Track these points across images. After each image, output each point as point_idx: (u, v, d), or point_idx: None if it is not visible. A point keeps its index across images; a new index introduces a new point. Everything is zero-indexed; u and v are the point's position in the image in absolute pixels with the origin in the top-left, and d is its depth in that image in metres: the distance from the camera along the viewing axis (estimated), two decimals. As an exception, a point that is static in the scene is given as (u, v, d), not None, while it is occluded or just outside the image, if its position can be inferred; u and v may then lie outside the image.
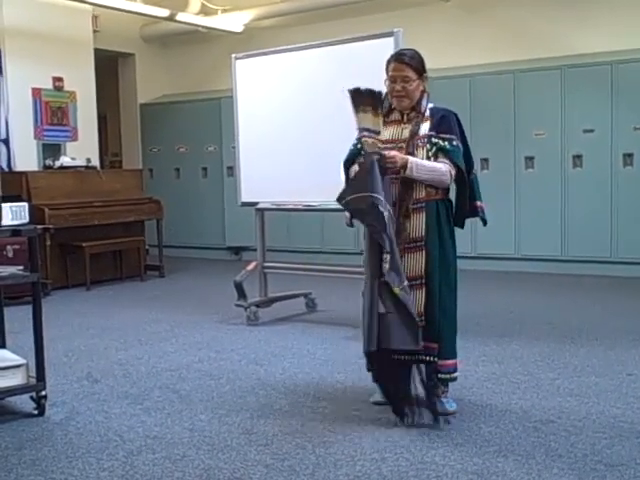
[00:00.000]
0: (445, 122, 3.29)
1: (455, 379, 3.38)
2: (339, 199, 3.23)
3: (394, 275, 3.08)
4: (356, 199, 3.15)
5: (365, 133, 3.26)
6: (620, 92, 6.99)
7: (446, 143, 3.25)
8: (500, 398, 3.56)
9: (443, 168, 3.24)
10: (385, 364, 3.27)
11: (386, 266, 3.08)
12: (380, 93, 3.29)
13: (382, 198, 3.09)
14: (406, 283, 3.12)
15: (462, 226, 3.45)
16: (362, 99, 3.28)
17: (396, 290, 3.08)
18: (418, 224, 3.25)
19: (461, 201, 3.39)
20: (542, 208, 7.43)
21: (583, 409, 3.36)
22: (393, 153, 3.18)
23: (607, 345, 4.53)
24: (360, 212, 3.16)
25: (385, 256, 3.09)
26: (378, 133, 3.26)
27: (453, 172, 3.27)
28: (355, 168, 3.35)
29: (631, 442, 2.95)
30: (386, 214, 3.08)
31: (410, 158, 3.19)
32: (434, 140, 3.25)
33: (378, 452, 2.91)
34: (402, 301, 3.07)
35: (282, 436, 3.12)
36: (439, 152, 3.25)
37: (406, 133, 3.28)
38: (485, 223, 3.45)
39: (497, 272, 7.50)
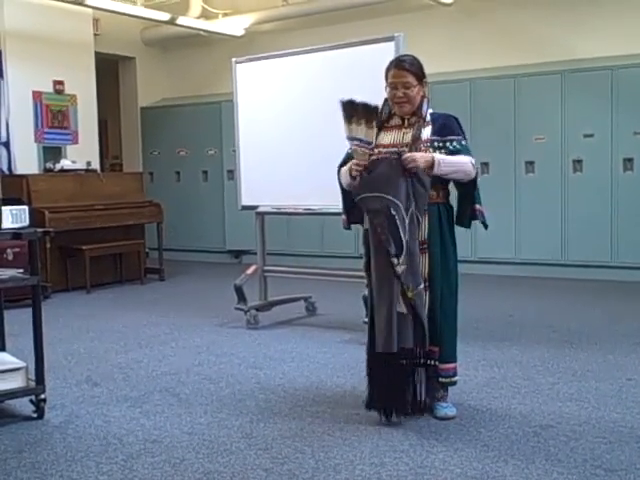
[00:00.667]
0: (448, 126, 3.30)
1: (455, 383, 3.39)
2: (355, 195, 3.23)
3: (410, 278, 3.12)
4: (371, 198, 3.15)
5: (356, 142, 3.25)
6: (620, 97, 7.00)
7: (455, 144, 3.26)
8: (500, 403, 3.56)
9: (465, 159, 3.25)
10: (387, 367, 3.28)
11: (399, 269, 3.10)
12: (376, 107, 3.25)
13: (396, 200, 3.08)
14: (422, 286, 3.17)
15: (469, 225, 3.43)
16: (356, 112, 3.25)
17: (409, 294, 3.13)
18: (421, 227, 3.25)
19: (468, 199, 3.37)
20: (542, 212, 7.44)
21: (583, 414, 3.36)
22: (418, 155, 3.15)
23: (607, 349, 4.53)
24: (373, 211, 3.16)
25: (393, 259, 3.10)
26: (370, 144, 3.26)
27: (473, 161, 3.27)
28: (344, 169, 3.35)
29: (631, 447, 2.94)
30: (398, 217, 3.07)
31: (436, 156, 3.18)
32: (438, 144, 3.25)
33: (377, 456, 2.91)
34: (413, 306, 3.14)
35: (281, 440, 3.11)
36: (452, 155, 3.25)
37: (407, 138, 3.28)
38: (486, 227, 3.45)
39: (497, 276, 7.51)
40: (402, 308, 3.15)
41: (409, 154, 3.15)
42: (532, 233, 7.50)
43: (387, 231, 3.10)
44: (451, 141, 3.26)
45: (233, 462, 2.89)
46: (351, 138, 3.27)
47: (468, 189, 3.35)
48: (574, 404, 3.50)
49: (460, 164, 3.23)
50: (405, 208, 3.09)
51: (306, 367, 4.30)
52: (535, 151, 7.46)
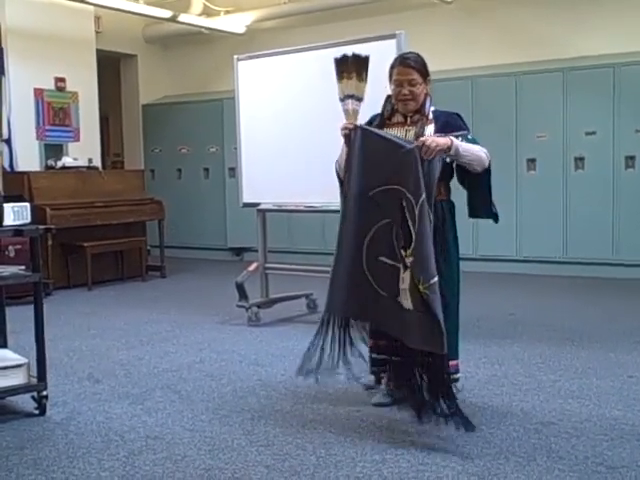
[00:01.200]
0: (451, 123, 3.29)
1: (457, 380, 3.39)
2: (365, 192, 3.15)
3: (418, 270, 3.00)
4: (382, 192, 3.09)
5: (349, 101, 3.24)
6: (622, 94, 6.99)
7: (461, 139, 3.22)
8: (501, 400, 3.56)
9: (479, 148, 3.22)
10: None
11: (407, 260, 3.02)
12: (367, 58, 3.25)
13: (406, 191, 3.01)
14: (435, 280, 2.98)
15: (488, 215, 3.39)
16: (346, 65, 3.26)
17: (421, 287, 2.99)
18: (431, 219, 3.21)
19: (483, 190, 3.33)
20: (544, 210, 7.43)
21: (584, 411, 3.36)
22: (437, 138, 3.10)
23: (608, 347, 4.53)
24: (385, 207, 3.08)
25: (401, 250, 3.04)
26: (360, 100, 3.23)
27: (486, 151, 3.24)
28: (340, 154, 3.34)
29: (632, 444, 2.94)
30: (407, 208, 3.00)
31: (453, 138, 3.13)
32: None
33: (379, 453, 2.91)
34: (426, 301, 2.98)
35: (283, 437, 3.12)
36: None
37: (410, 135, 3.26)
38: (497, 220, 3.42)
39: (498, 274, 7.50)
40: (408, 304, 3.05)
41: (430, 137, 3.09)
42: (533, 231, 7.50)
43: (396, 223, 3.04)
44: (456, 137, 3.22)
45: (234, 459, 2.90)
46: (343, 98, 3.25)
47: (483, 179, 3.29)
48: (575, 401, 3.50)
49: (476, 151, 3.21)
50: (415, 199, 3.01)
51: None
52: (537, 149, 7.45)
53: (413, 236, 3.03)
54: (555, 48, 7.63)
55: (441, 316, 2.96)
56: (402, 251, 3.06)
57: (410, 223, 3.03)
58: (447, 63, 7.70)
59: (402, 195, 3.05)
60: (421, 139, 3.09)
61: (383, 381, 3.53)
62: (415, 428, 3.16)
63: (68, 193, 7.39)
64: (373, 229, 3.16)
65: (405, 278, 3.07)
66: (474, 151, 3.21)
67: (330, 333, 3.32)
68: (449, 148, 3.11)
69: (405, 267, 3.06)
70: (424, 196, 3.01)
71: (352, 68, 3.23)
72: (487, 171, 3.28)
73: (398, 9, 8.27)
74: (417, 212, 3.01)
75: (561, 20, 7.68)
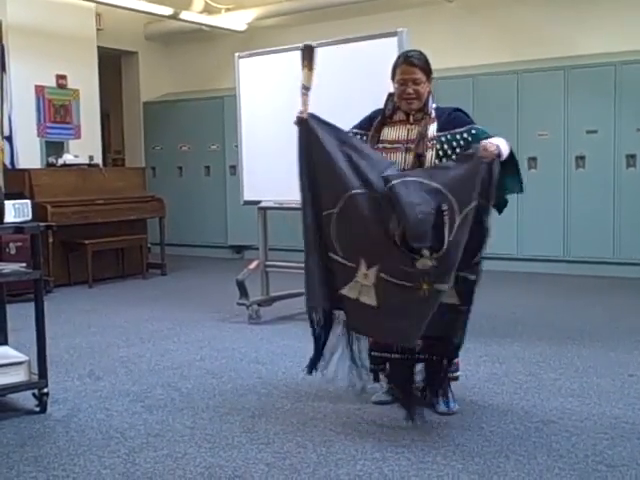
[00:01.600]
0: (453, 119, 3.26)
1: (457, 378, 3.39)
2: (386, 180, 3.05)
3: (434, 277, 2.94)
4: (415, 184, 2.99)
5: (303, 91, 3.28)
6: (623, 93, 6.99)
7: (466, 135, 3.19)
8: (501, 398, 3.56)
9: (500, 138, 3.15)
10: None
11: (428, 262, 2.94)
12: (313, 47, 3.36)
13: (452, 197, 2.93)
14: (447, 286, 2.96)
15: (519, 187, 3.37)
16: (304, 55, 3.33)
17: (425, 286, 2.96)
18: (485, 224, 3.17)
19: (512, 166, 3.26)
20: (545, 208, 7.43)
21: (585, 410, 3.36)
22: (494, 144, 3.04)
23: (609, 346, 4.53)
24: (417, 204, 2.97)
25: (424, 251, 2.96)
26: (308, 89, 3.28)
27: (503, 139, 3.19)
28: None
29: (632, 443, 2.95)
30: (448, 215, 2.92)
31: (499, 144, 3.06)
32: (446, 139, 3.20)
33: (379, 451, 2.92)
34: (430, 299, 2.97)
35: (283, 435, 3.12)
36: (475, 141, 3.15)
37: (414, 134, 3.24)
38: (503, 208, 3.41)
39: (499, 272, 7.47)
40: (371, 301, 3.04)
41: (488, 142, 3.04)
42: (534, 229, 7.49)
43: (412, 231, 2.95)
44: (461, 133, 3.20)
45: (235, 456, 2.90)
46: (303, 87, 3.31)
47: (509, 161, 3.19)
48: (576, 400, 3.51)
49: (505, 143, 3.13)
50: (460, 206, 2.93)
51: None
52: (538, 147, 7.44)
53: (445, 243, 2.93)
54: (556, 46, 7.62)
55: (427, 319, 2.98)
56: (427, 251, 2.94)
57: (446, 230, 2.93)
58: (448, 61, 7.70)
59: (444, 199, 2.94)
60: (482, 143, 3.04)
61: (382, 379, 3.53)
62: (416, 426, 3.16)
63: (69, 190, 7.39)
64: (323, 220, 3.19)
65: (369, 275, 3.05)
66: (503, 144, 3.12)
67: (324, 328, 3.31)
68: (500, 154, 3.05)
69: (368, 264, 3.04)
70: (474, 204, 2.93)
71: (305, 57, 3.30)
72: (511, 153, 3.18)
73: (400, 7, 8.27)
74: (459, 220, 2.92)
75: (562, 18, 7.67)
